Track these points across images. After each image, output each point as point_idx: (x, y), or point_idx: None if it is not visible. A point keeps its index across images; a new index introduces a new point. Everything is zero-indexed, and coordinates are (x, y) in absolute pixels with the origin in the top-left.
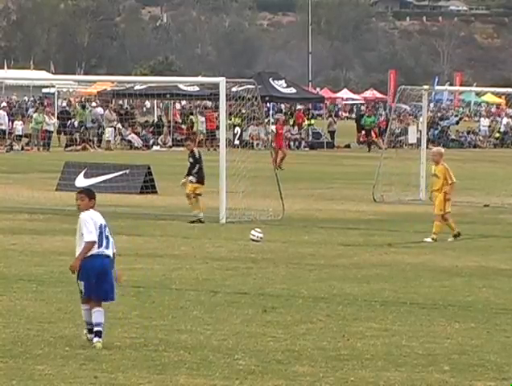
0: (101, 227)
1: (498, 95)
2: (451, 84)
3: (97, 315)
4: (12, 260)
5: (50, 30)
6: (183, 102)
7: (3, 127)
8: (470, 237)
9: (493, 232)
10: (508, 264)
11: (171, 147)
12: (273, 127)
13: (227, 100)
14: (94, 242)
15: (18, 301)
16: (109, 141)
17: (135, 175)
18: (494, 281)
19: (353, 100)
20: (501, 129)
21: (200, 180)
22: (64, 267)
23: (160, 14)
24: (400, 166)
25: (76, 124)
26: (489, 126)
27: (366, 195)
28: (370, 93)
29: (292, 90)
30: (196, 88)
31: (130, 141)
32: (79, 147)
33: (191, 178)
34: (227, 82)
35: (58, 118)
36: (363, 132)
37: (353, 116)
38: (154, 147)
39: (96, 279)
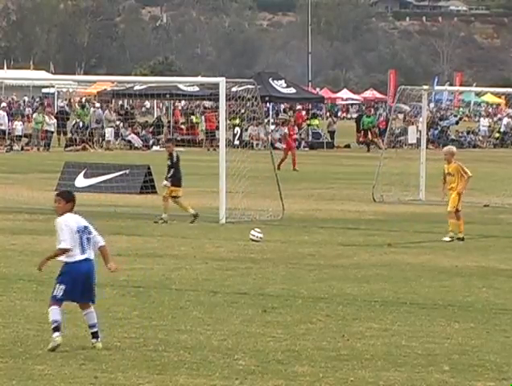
0: (79, 231)
1: (498, 95)
2: (451, 84)
3: (91, 316)
4: (12, 260)
5: (50, 31)
6: (183, 102)
7: (3, 127)
8: (470, 237)
9: (493, 232)
10: (508, 264)
11: None
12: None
13: (227, 101)
14: (66, 250)
15: (18, 301)
16: (109, 141)
17: (135, 175)
18: (494, 281)
19: (353, 100)
20: (502, 129)
21: (176, 183)
22: None
23: (160, 14)
24: (400, 166)
25: (80, 124)
26: (489, 126)
27: (366, 195)
28: (370, 93)
29: (292, 90)
30: (196, 88)
31: (129, 142)
32: (79, 147)
33: (165, 182)
34: (227, 82)
35: (56, 118)
36: (362, 132)
37: (349, 116)
38: (154, 147)
39: (82, 284)
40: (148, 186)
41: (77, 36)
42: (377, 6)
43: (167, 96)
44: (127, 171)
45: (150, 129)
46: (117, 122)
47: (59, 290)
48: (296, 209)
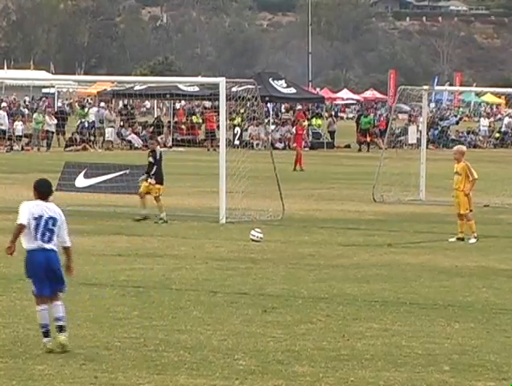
0: (39, 218)
1: (498, 95)
2: (451, 84)
3: (58, 309)
4: (12, 260)
5: (50, 31)
6: (183, 102)
7: (3, 127)
8: (470, 237)
9: (493, 232)
10: (508, 264)
11: (171, 147)
12: (270, 127)
13: (227, 101)
14: (21, 225)
15: (18, 301)
16: (110, 141)
17: (135, 175)
18: (494, 281)
19: (353, 100)
20: (503, 129)
21: (159, 181)
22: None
23: (160, 14)
24: (400, 167)
25: (86, 124)
26: (489, 126)
27: (366, 195)
28: (370, 93)
29: (292, 90)
30: (196, 89)
31: (130, 142)
32: (79, 147)
33: (150, 179)
34: (227, 82)
35: (56, 118)
36: (360, 132)
37: (345, 116)
38: None
39: (44, 274)
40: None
41: (77, 36)
42: (378, 6)
43: (167, 96)
44: (127, 171)
45: (151, 129)
46: (120, 122)
47: (32, 284)
48: (296, 209)
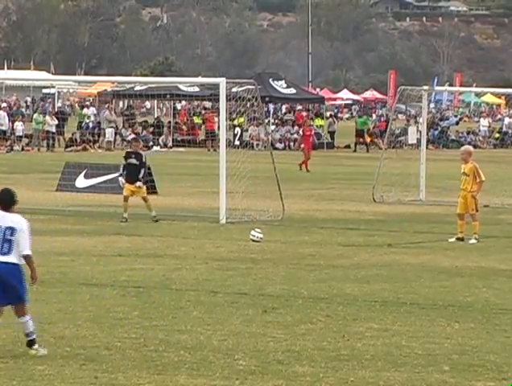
0: None
1: (498, 95)
2: (450, 85)
3: (26, 325)
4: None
5: (50, 31)
6: (184, 102)
7: (4, 128)
8: (470, 238)
9: (492, 232)
10: (508, 264)
11: (171, 148)
12: (270, 128)
13: (227, 101)
14: None
15: None
16: (110, 141)
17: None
18: (494, 282)
19: (353, 100)
20: (503, 129)
21: (144, 183)
22: (64, 267)
23: (160, 14)
24: (400, 167)
25: (90, 124)
26: (489, 126)
27: (366, 196)
28: (370, 94)
29: (292, 90)
30: (196, 89)
31: (130, 142)
32: (79, 148)
33: (139, 183)
34: (227, 82)
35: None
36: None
37: (341, 115)
38: (154, 148)
39: (1, 286)
40: (148, 187)
41: (78, 37)
42: (378, 6)
43: (168, 96)
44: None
45: (151, 130)
46: (121, 123)
47: None
48: (296, 209)
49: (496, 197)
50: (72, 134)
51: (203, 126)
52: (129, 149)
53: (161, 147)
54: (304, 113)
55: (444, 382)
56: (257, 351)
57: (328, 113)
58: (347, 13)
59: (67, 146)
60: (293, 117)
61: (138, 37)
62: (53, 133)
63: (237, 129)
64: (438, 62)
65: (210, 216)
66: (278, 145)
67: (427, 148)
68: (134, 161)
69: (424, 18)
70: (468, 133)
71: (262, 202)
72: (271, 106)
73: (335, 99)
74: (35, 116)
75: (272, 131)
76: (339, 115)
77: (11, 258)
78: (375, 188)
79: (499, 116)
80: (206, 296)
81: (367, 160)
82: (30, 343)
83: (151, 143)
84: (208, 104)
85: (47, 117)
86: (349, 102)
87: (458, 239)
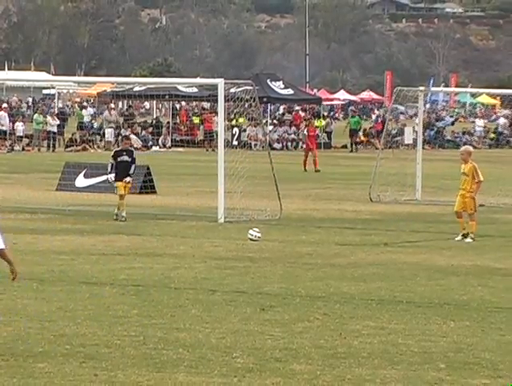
0: None
1: (493, 96)
2: (446, 86)
3: None
4: (13, 259)
5: (50, 32)
6: (184, 103)
7: (4, 128)
8: (466, 236)
9: (488, 231)
10: (503, 263)
11: (170, 148)
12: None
13: (225, 102)
14: None
15: (18, 299)
16: (110, 141)
17: (134, 175)
18: (489, 280)
19: (350, 101)
20: (499, 130)
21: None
22: (64, 266)
23: (159, 16)
24: (396, 167)
25: (95, 125)
26: (484, 127)
27: (363, 195)
28: (367, 94)
29: (290, 91)
30: (195, 90)
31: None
32: (79, 148)
33: (128, 178)
34: (225, 83)
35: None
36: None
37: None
38: (154, 148)
39: None
40: (147, 186)
41: (78, 38)
42: (374, 8)
43: (167, 97)
44: None
45: (150, 130)
46: (122, 123)
47: None
48: (294, 209)
49: (491, 197)
50: (72, 134)
51: (201, 126)
52: (117, 149)
53: (160, 147)
54: (302, 114)
55: (440, 379)
56: (254, 349)
57: (324, 114)
58: (344, 14)
59: (67, 146)
60: (291, 117)
61: (138, 38)
62: (54, 133)
63: (236, 130)
64: (434, 63)
65: (208, 216)
66: (275, 145)
67: (423, 148)
68: (126, 158)
69: (420, 20)
70: (463, 133)
71: (260, 201)
72: (270, 107)
73: (332, 99)
74: (36, 116)
75: (270, 131)
76: (335, 115)
77: None
78: (372, 188)
79: (494, 116)
80: (204, 294)
81: (364, 160)
82: None
83: (150, 143)
84: (206, 104)
85: (49, 118)
86: (347, 103)
87: (463, 235)
